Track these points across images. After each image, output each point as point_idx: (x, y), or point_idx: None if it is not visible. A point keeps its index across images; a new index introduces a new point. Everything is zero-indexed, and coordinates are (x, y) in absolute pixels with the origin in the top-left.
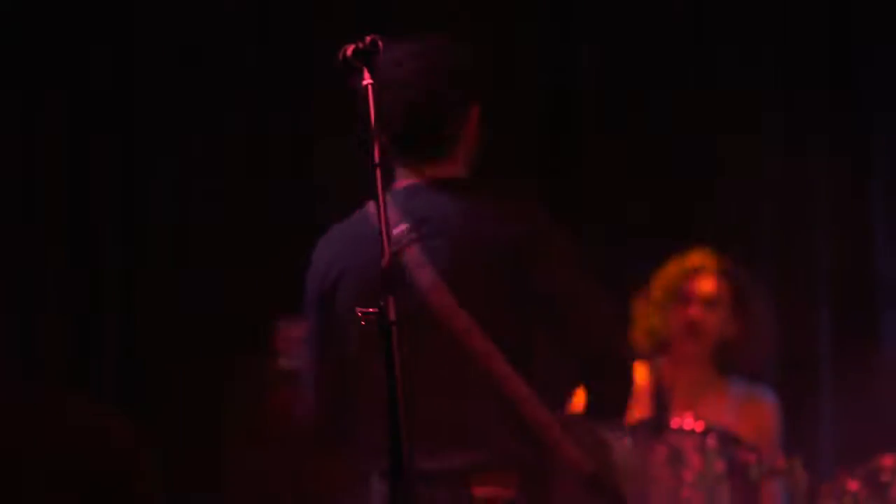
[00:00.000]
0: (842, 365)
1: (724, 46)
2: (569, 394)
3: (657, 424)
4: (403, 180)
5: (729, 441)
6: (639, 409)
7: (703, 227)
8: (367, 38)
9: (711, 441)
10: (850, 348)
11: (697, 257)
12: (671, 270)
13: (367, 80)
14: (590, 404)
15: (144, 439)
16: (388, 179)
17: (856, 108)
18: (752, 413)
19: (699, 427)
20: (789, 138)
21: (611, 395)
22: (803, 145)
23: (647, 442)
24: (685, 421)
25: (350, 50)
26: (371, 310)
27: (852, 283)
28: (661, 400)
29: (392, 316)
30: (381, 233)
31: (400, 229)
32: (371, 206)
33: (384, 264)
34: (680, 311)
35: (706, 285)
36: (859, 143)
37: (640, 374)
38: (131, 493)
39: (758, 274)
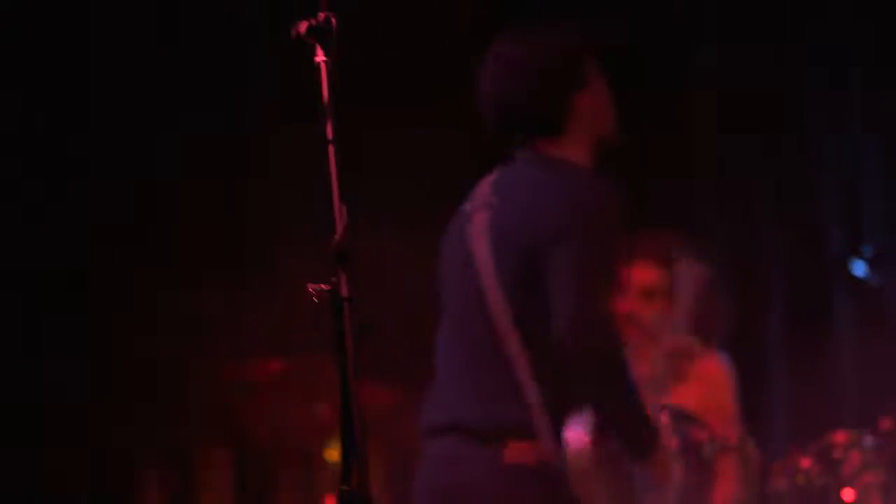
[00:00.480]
0: (794, 345)
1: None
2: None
3: None
4: (516, 154)
5: (681, 419)
6: None
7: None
8: (321, 15)
9: (664, 419)
10: (802, 329)
11: (636, 244)
12: None
13: (320, 56)
14: None
15: None
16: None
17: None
18: (708, 379)
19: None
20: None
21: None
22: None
23: None
24: None
25: (303, 27)
26: (324, 286)
27: (806, 266)
28: None
29: (344, 292)
30: (333, 209)
31: (477, 199)
32: (480, 184)
33: (335, 239)
34: (619, 304)
35: (643, 276)
36: (811, 138)
37: None
38: None
39: (710, 256)
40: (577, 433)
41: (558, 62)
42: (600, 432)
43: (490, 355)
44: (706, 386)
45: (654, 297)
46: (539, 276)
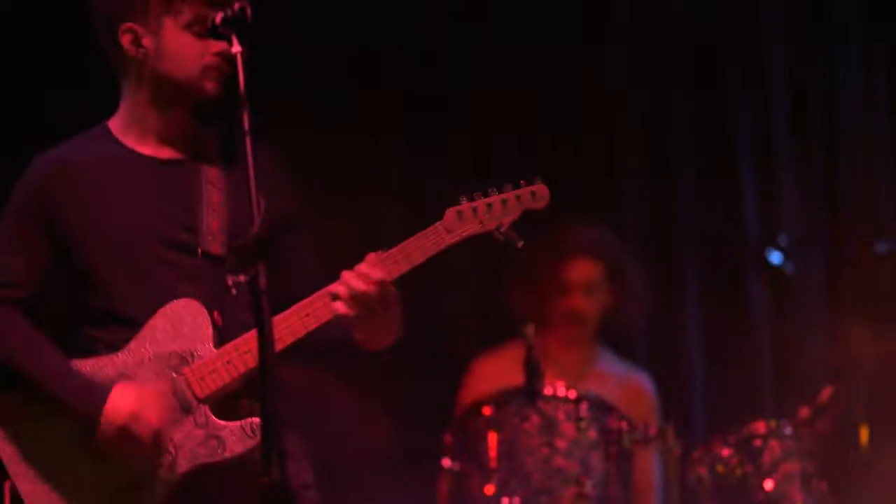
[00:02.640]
0: (711, 333)
1: None
2: None
3: (530, 392)
4: None
5: (601, 408)
6: (512, 378)
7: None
8: (236, 6)
9: (583, 409)
10: (719, 317)
11: (569, 239)
12: (543, 254)
13: (236, 47)
14: None
15: None
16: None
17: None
18: (632, 397)
19: (572, 395)
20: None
21: None
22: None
23: (520, 410)
24: (557, 389)
25: (219, 18)
26: (242, 278)
27: (720, 248)
28: (534, 368)
29: (263, 284)
30: (250, 199)
31: None
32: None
33: (253, 231)
34: (560, 301)
35: (583, 271)
36: (723, 119)
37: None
38: None
39: (626, 241)
40: None
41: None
42: None
43: None
44: (631, 405)
45: (595, 289)
46: None
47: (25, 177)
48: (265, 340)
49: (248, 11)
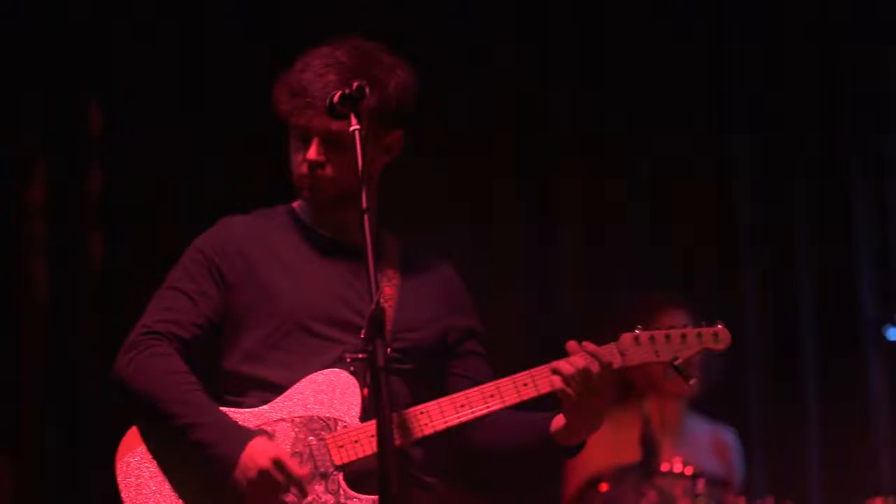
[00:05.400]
0: (829, 410)
1: None
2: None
3: (647, 468)
4: None
5: (717, 485)
6: (628, 453)
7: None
8: (354, 84)
9: (700, 485)
10: (837, 394)
11: (657, 295)
12: (639, 313)
13: (354, 125)
14: None
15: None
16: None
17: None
18: (718, 452)
19: (688, 471)
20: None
21: None
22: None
23: (637, 486)
24: (674, 465)
25: (337, 96)
26: (360, 355)
27: (840, 331)
28: (650, 444)
29: (381, 361)
30: (369, 277)
31: None
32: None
33: (372, 309)
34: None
35: (678, 320)
36: (841, 187)
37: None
38: None
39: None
40: None
41: None
42: None
43: None
44: (717, 458)
45: None
46: None
47: (209, 232)
48: (382, 416)
49: (367, 90)
